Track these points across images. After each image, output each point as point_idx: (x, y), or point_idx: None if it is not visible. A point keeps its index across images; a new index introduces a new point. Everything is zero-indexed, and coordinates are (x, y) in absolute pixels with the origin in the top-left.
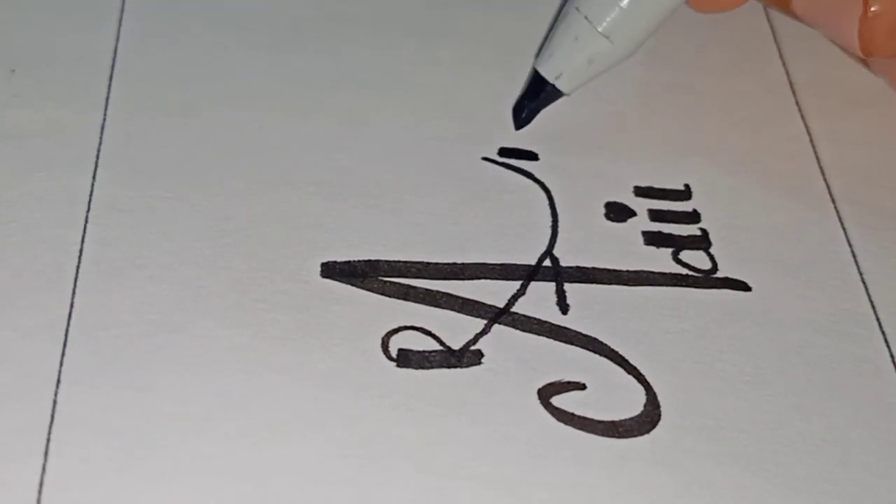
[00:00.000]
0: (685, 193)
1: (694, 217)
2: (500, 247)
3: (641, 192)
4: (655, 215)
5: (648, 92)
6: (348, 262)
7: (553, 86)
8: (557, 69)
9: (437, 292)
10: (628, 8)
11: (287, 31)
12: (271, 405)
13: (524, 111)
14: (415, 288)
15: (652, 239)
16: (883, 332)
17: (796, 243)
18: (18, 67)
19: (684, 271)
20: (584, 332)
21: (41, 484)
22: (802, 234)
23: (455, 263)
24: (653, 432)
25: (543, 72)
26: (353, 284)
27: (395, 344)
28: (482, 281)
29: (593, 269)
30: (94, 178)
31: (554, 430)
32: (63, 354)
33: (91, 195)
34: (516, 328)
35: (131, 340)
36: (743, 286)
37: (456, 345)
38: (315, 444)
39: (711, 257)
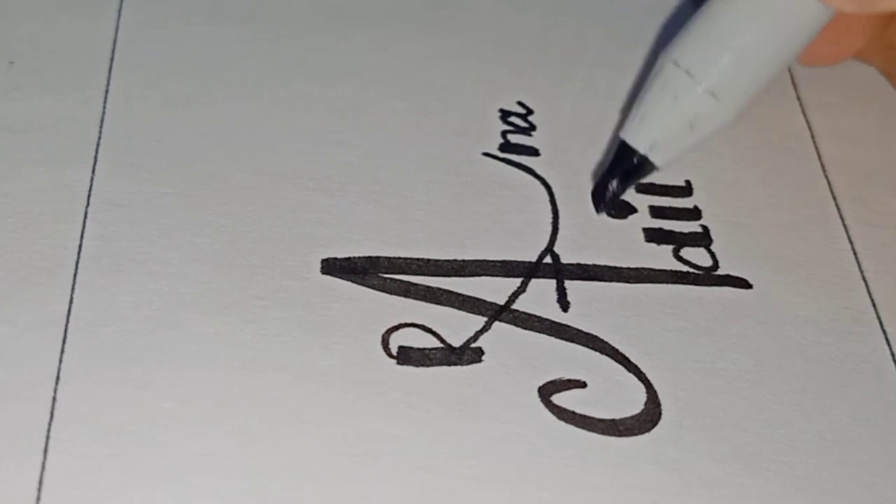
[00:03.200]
0: (686, 190)
1: (695, 214)
2: (500, 243)
3: (642, 188)
4: (656, 212)
5: None
6: (348, 259)
7: (645, 157)
8: (650, 137)
9: (438, 289)
10: (739, 58)
11: (287, 24)
12: (271, 402)
13: (609, 191)
14: (415, 285)
15: (653, 236)
16: (884, 331)
17: (797, 240)
18: (17, 60)
19: (685, 268)
20: (585, 329)
21: (41, 481)
22: (803, 231)
23: (455, 260)
24: (653, 431)
25: (633, 142)
26: (353, 281)
27: (396, 341)
28: (483, 278)
29: (594, 266)
30: (93, 172)
31: (554, 428)
32: (62, 351)
33: (90, 190)
34: (517, 325)
35: (131, 337)
36: (744, 283)
37: (456, 342)
38: (315, 441)
39: (712, 254)
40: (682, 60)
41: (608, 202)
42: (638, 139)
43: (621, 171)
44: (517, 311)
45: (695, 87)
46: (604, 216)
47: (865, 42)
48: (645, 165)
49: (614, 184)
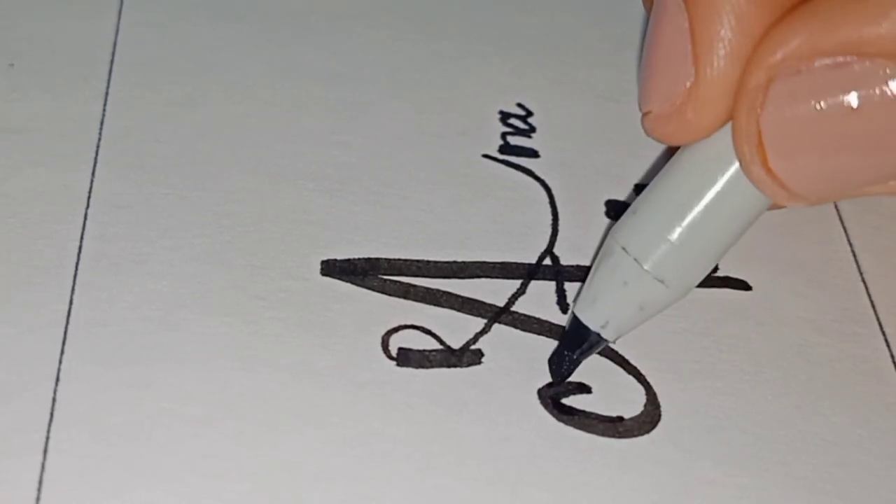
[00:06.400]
0: None
1: None
2: (500, 245)
3: (642, 190)
4: None
5: None
6: (348, 260)
7: (598, 335)
8: (603, 317)
9: (438, 291)
10: (684, 245)
11: (287, 25)
12: (270, 403)
13: (565, 363)
14: (415, 286)
15: None
16: (883, 332)
17: (797, 242)
18: (17, 61)
19: None
20: None
21: (41, 481)
22: (803, 232)
23: (455, 262)
24: (653, 432)
25: (586, 320)
26: (353, 282)
27: (395, 343)
28: (482, 279)
29: None
30: (93, 173)
31: (554, 429)
32: (62, 351)
33: (90, 190)
34: (516, 327)
35: (131, 337)
36: (743, 285)
37: (456, 344)
38: (314, 443)
39: None
40: (629, 247)
41: (565, 373)
42: (590, 318)
43: (575, 345)
44: (517, 312)
45: (643, 275)
46: (603, 219)
47: None
48: (598, 341)
49: (570, 357)
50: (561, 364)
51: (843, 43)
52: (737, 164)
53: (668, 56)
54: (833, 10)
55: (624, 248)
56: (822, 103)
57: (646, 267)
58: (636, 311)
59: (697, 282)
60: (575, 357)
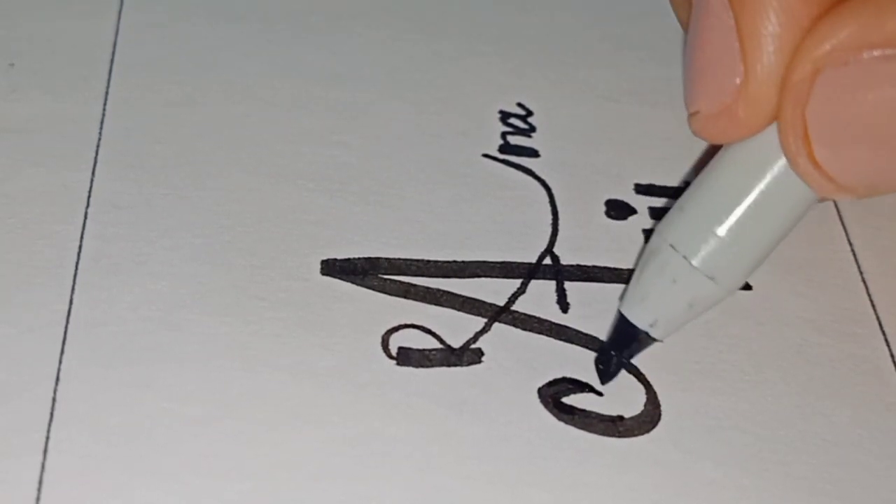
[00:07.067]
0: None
1: None
2: (500, 244)
3: (642, 189)
4: (656, 213)
5: (649, 88)
6: (348, 260)
7: (646, 334)
8: (652, 316)
9: (438, 290)
10: (733, 242)
11: (287, 25)
12: (271, 403)
13: (612, 363)
14: (415, 286)
15: None
16: (883, 332)
17: (797, 242)
18: (17, 61)
19: None
20: (585, 330)
21: (40, 481)
22: (803, 232)
23: (455, 261)
24: (653, 432)
25: (634, 319)
26: (353, 282)
27: (395, 342)
28: (482, 279)
29: (594, 267)
30: (93, 173)
31: (554, 429)
32: (62, 351)
33: (90, 191)
34: (516, 326)
35: (130, 337)
36: (744, 285)
37: (456, 343)
38: (314, 442)
39: None
40: (678, 245)
41: (612, 373)
42: (639, 317)
43: (623, 344)
44: (517, 312)
45: (693, 273)
46: (603, 218)
47: None
48: (646, 340)
49: (618, 357)
50: (609, 364)
51: (893, 35)
52: (784, 158)
53: (715, 55)
54: (883, 1)
55: (672, 246)
56: (870, 95)
57: (695, 263)
58: (685, 309)
59: (747, 277)
60: (624, 356)
